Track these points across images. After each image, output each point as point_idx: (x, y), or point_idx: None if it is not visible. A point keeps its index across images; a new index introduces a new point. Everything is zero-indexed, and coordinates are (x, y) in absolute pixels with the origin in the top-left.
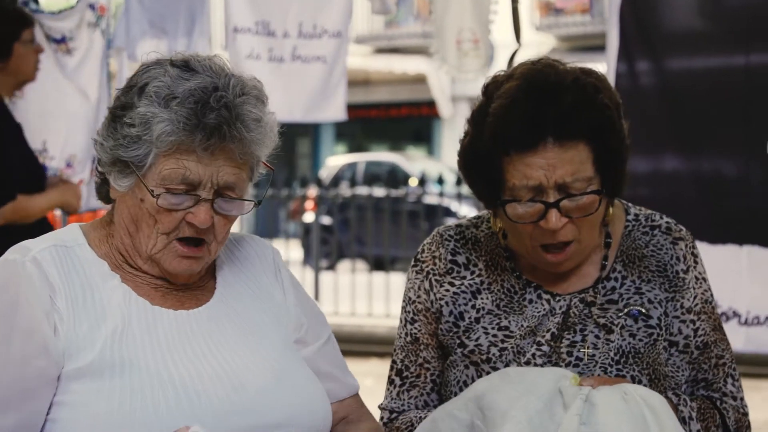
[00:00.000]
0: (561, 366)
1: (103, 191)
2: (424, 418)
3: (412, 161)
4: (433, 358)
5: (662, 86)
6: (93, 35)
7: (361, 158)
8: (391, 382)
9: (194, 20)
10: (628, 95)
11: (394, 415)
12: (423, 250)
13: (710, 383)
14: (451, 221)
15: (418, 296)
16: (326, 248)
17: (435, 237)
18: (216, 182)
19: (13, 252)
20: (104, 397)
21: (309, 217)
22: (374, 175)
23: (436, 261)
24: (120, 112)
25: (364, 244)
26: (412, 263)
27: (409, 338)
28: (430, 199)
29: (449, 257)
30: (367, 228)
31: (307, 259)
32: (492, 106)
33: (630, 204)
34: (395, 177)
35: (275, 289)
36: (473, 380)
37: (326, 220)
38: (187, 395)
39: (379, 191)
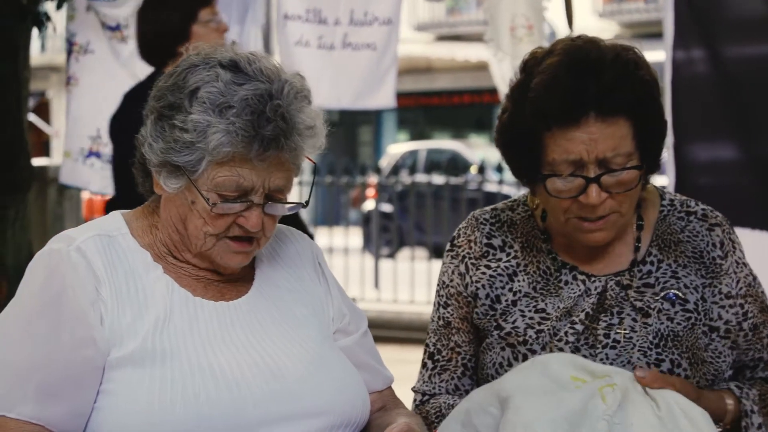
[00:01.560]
0: (598, 348)
1: (147, 184)
2: (453, 405)
3: (474, 149)
4: (464, 342)
5: (718, 73)
6: None
7: (422, 146)
8: (423, 365)
9: (247, 8)
10: (685, 83)
11: (426, 397)
12: (458, 235)
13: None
14: None
15: (452, 280)
16: (387, 236)
17: (470, 221)
18: (267, 187)
19: (58, 241)
20: (145, 386)
21: (369, 204)
22: (435, 162)
23: (472, 245)
24: (168, 112)
25: (423, 231)
26: (448, 248)
27: (441, 322)
28: (490, 187)
29: (485, 240)
30: (427, 216)
31: (368, 247)
32: (533, 81)
33: (664, 189)
34: (456, 164)
35: (313, 281)
36: (509, 363)
37: (387, 207)
38: (227, 384)
39: (438, 179)
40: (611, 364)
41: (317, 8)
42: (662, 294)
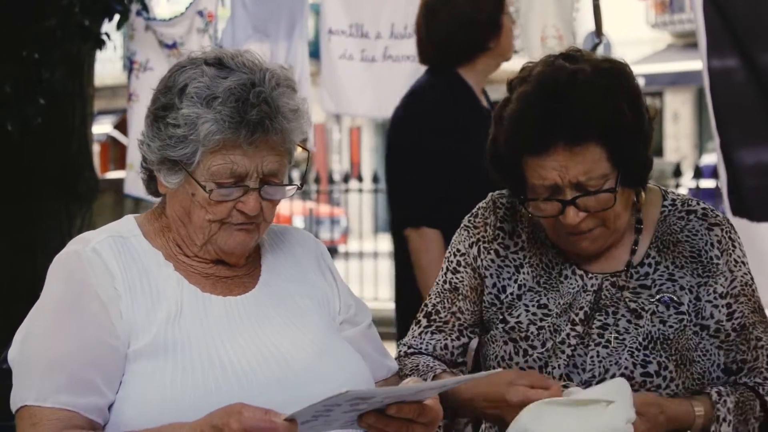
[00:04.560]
0: (591, 346)
1: (152, 186)
2: (432, 367)
3: None
4: (468, 311)
5: (754, 80)
6: (202, 40)
7: None
8: (417, 322)
9: (294, 24)
10: (723, 90)
11: (411, 350)
12: (477, 215)
13: (752, 367)
14: None
15: (467, 252)
16: None
17: (489, 203)
18: (261, 171)
19: (74, 243)
20: (158, 377)
21: None
22: None
23: (487, 228)
24: (162, 112)
25: None
26: (465, 223)
27: (447, 286)
28: None
29: (498, 224)
30: None
31: None
32: (507, 109)
33: (668, 189)
34: None
35: (317, 275)
36: (510, 357)
37: None
38: (235, 374)
39: None
40: (601, 362)
41: (359, 23)
42: (657, 297)
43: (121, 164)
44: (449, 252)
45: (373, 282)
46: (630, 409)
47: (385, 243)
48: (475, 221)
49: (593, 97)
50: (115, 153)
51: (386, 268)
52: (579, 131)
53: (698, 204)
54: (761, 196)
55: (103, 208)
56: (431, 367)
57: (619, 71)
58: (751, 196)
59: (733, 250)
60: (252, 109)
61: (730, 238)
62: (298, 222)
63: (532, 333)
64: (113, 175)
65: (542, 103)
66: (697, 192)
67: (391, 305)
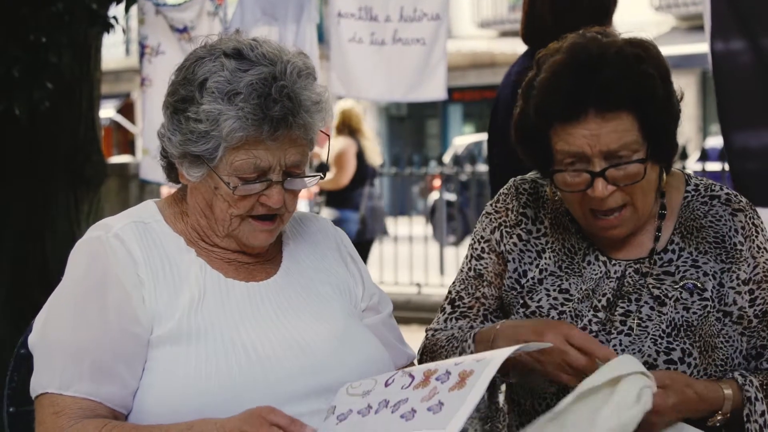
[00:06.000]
0: (613, 334)
1: (173, 175)
2: (465, 332)
3: None
4: (492, 297)
5: (759, 64)
6: (212, 24)
7: (486, 137)
8: (442, 309)
9: (303, 7)
10: (727, 73)
11: (438, 332)
12: (498, 200)
13: None
14: None
15: (491, 238)
16: (453, 224)
17: (510, 189)
18: (284, 164)
19: (96, 229)
20: (182, 362)
21: (436, 195)
22: None
23: (509, 213)
24: (181, 105)
25: None
26: (487, 209)
27: (472, 273)
28: None
29: (520, 210)
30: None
31: (436, 235)
32: (537, 79)
33: (691, 174)
34: None
35: (338, 263)
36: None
37: (451, 197)
38: (258, 359)
39: None
40: (623, 351)
41: (368, 6)
42: (681, 283)
43: (124, 149)
44: (473, 239)
45: (377, 266)
46: (640, 378)
47: (391, 227)
48: (496, 206)
49: (626, 64)
50: (119, 137)
51: (406, 253)
52: (611, 98)
53: (721, 189)
54: (761, 182)
55: (108, 193)
56: (466, 331)
57: (649, 45)
58: (754, 180)
59: (756, 236)
60: (275, 105)
61: (753, 223)
62: (303, 206)
63: (553, 318)
64: (117, 159)
65: (574, 71)
66: (702, 175)
67: (410, 290)
